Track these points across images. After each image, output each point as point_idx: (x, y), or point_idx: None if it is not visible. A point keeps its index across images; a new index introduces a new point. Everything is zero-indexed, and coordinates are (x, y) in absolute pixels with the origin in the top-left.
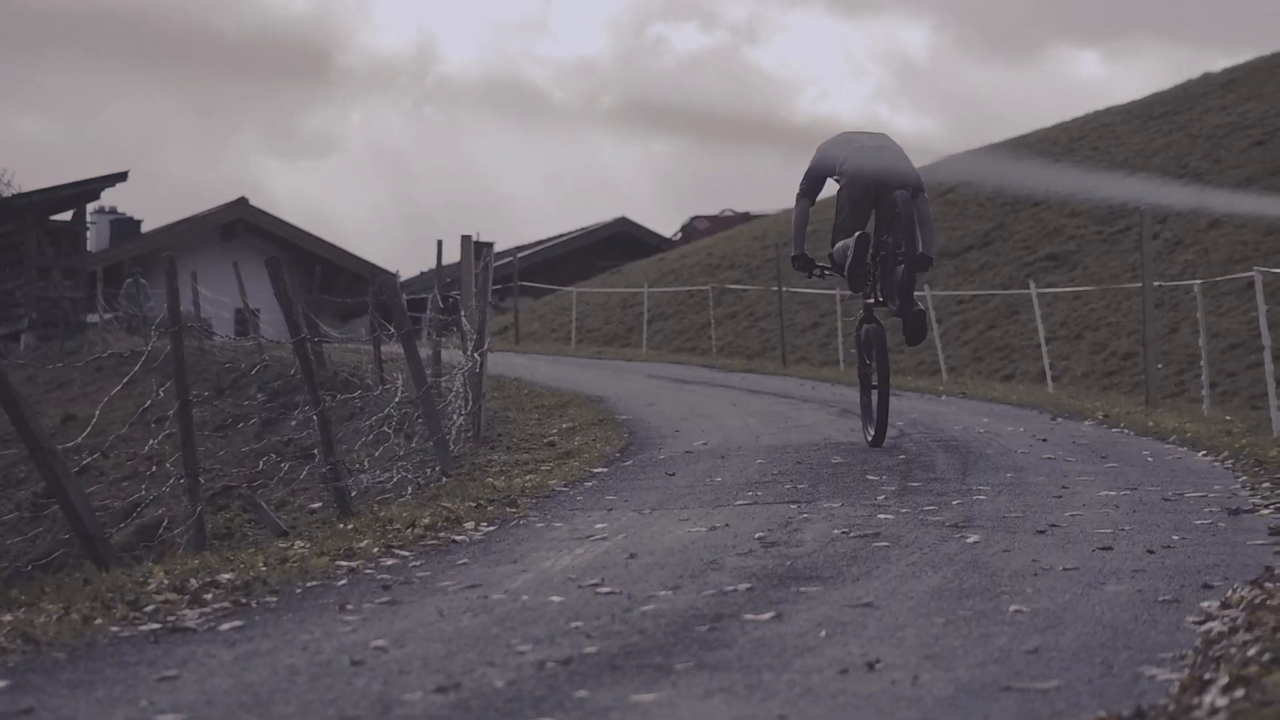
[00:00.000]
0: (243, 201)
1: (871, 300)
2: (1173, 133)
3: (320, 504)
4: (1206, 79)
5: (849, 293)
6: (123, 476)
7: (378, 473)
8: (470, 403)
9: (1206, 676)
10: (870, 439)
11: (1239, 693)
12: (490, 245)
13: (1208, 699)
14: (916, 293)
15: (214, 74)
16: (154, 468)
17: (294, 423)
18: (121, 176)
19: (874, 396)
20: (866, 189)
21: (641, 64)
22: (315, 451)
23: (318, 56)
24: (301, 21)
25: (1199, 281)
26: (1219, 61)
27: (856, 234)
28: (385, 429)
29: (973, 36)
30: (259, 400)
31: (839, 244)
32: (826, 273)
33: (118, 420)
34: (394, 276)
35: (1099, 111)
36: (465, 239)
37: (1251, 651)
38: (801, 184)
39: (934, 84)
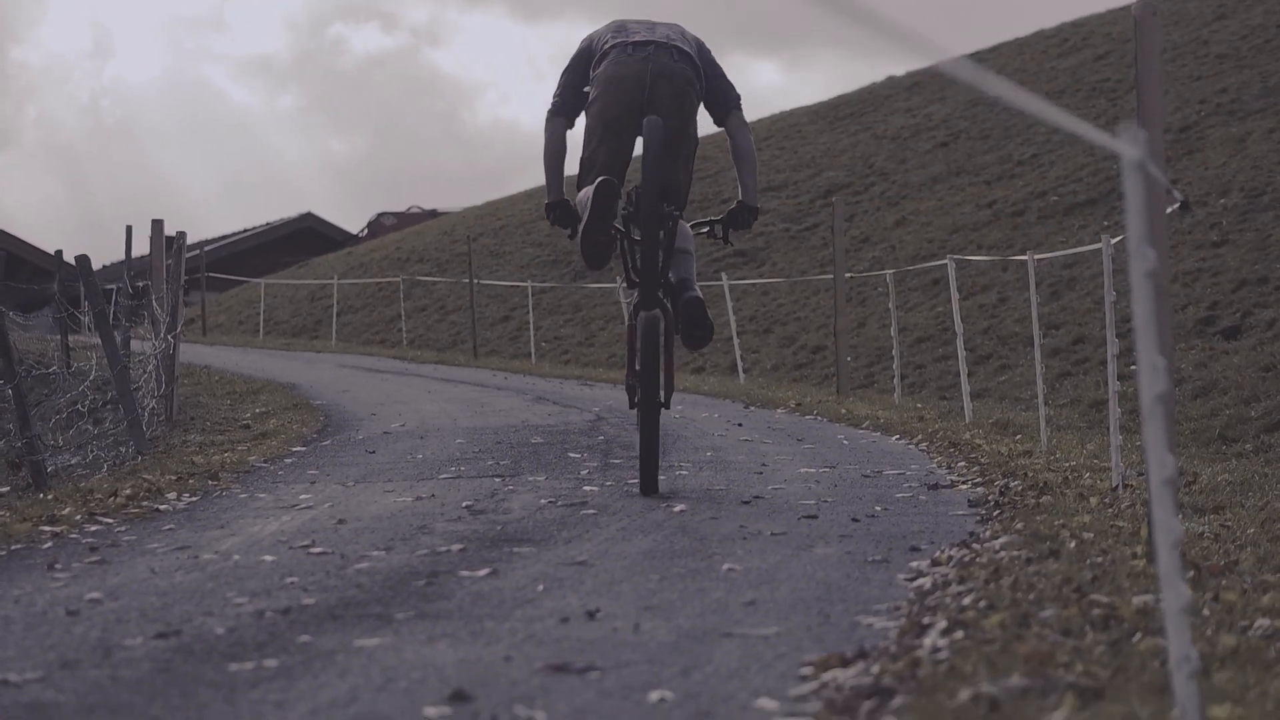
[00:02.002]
0: None
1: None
2: (859, 133)
3: (9, 489)
4: (891, 82)
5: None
6: None
7: (69, 456)
8: (163, 386)
9: (925, 621)
10: (642, 484)
11: (959, 634)
12: (183, 233)
13: (928, 640)
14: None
15: None
16: None
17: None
18: None
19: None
20: (628, 104)
21: (321, 64)
22: (10, 441)
23: None
24: None
25: (891, 271)
26: (892, 70)
27: (598, 180)
28: (79, 407)
29: None
30: None
31: (582, 191)
32: None
33: None
34: (85, 257)
35: (785, 112)
36: (156, 223)
37: (967, 600)
38: (555, 94)
39: None
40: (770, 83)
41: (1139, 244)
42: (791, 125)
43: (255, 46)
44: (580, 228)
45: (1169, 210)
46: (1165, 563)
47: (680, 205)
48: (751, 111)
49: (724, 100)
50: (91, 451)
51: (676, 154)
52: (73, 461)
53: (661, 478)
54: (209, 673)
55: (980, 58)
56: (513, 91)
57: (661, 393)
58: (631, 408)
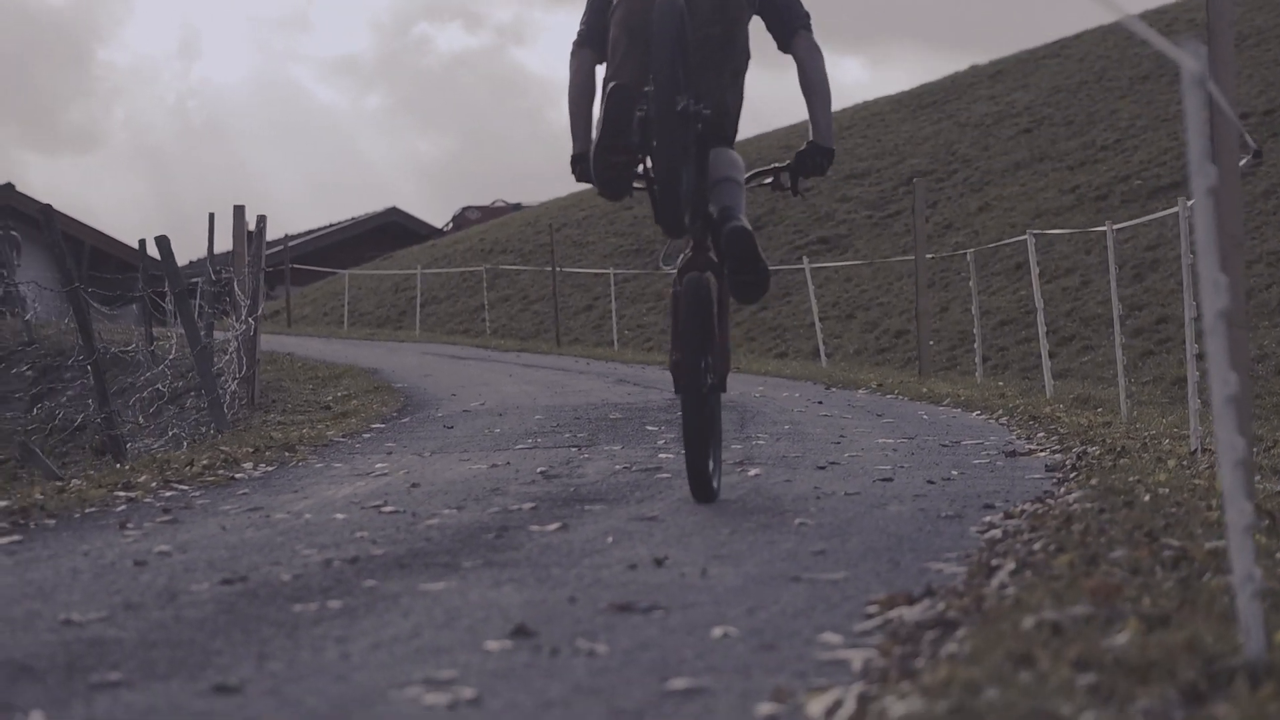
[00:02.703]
0: (9, 187)
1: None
2: (941, 121)
3: (94, 472)
4: (974, 70)
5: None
6: None
7: (152, 441)
8: (244, 368)
9: (994, 563)
10: (691, 488)
11: (1027, 573)
12: (263, 217)
13: (995, 580)
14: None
15: None
16: None
17: (65, 399)
18: None
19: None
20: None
21: (406, 64)
22: (90, 415)
23: (78, 50)
24: (60, 13)
25: (971, 250)
26: (975, 59)
27: (610, 85)
28: (160, 388)
29: None
30: (29, 376)
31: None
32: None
33: None
34: (165, 238)
35: (868, 102)
36: (237, 209)
37: (1037, 545)
38: (580, 23)
39: None
40: (855, 79)
41: (1200, 161)
42: (875, 114)
43: (341, 47)
44: (595, 144)
45: (1242, 162)
46: (1229, 481)
47: (729, 134)
48: (835, 103)
49: (789, 17)
50: (171, 430)
51: (721, 68)
52: (156, 446)
53: (737, 447)
54: (272, 613)
55: (1064, 44)
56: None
57: (711, 374)
58: (678, 391)
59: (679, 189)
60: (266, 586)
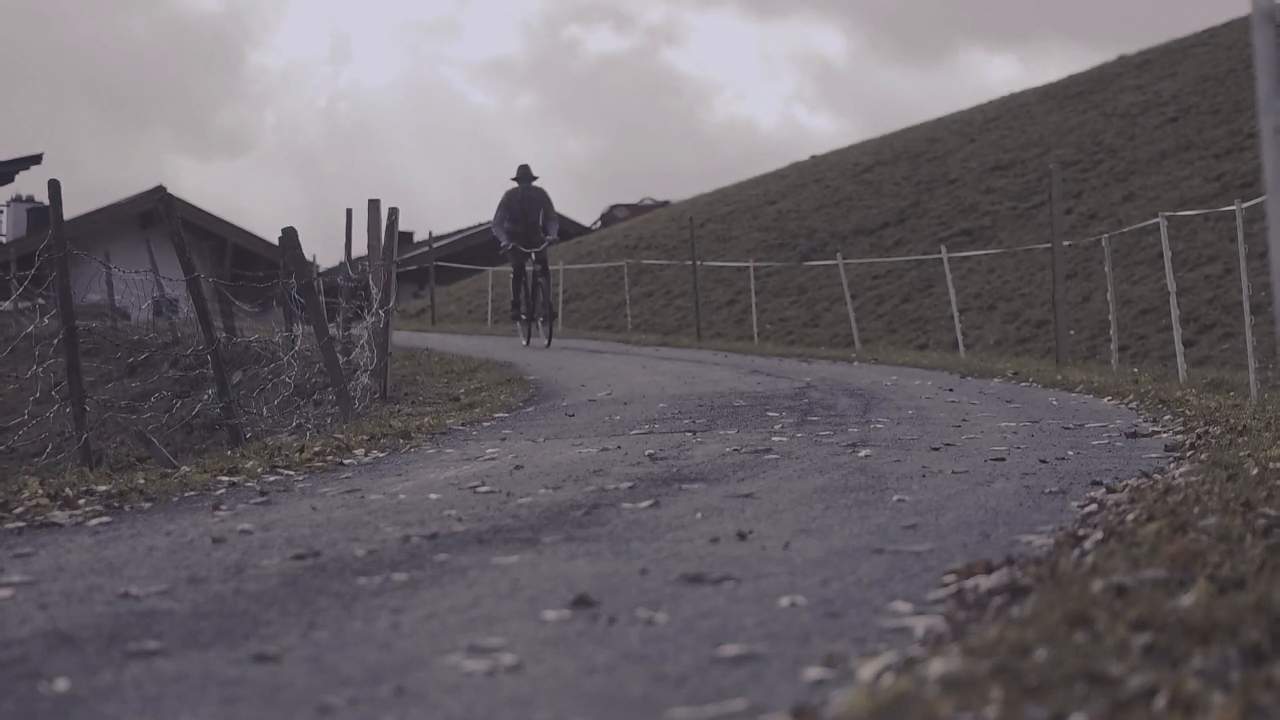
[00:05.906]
0: (160, 190)
1: None
2: (1087, 111)
3: (203, 459)
4: (1122, 60)
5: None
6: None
7: (283, 435)
8: (375, 361)
9: (1081, 534)
10: None
11: (1112, 543)
12: (395, 209)
13: (1078, 549)
14: None
15: (123, 71)
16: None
17: (206, 397)
18: (35, 159)
19: None
20: None
21: (557, 66)
22: (207, 406)
23: (230, 54)
24: (213, 18)
25: (1107, 234)
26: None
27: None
28: (286, 379)
29: (885, 39)
30: (170, 376)
31: None
32: None
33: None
34: (292, 229)
35: (1015, 94)
36: (372, 203)
37: (1130, 516)
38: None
39: (847, 85)
40: (1003, 77)
41: (1269, 98)
42: (1021, 106)
43: (491, 50)
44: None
45: None
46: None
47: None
48: (983, 95)
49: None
50: (297, 421)
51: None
52: (287, 439)
53: (854, 430)
54: (334, 585)
55: (1213, 33)
56: (748, 89)
57: None
58: None
59: None
60: (337, 561)
